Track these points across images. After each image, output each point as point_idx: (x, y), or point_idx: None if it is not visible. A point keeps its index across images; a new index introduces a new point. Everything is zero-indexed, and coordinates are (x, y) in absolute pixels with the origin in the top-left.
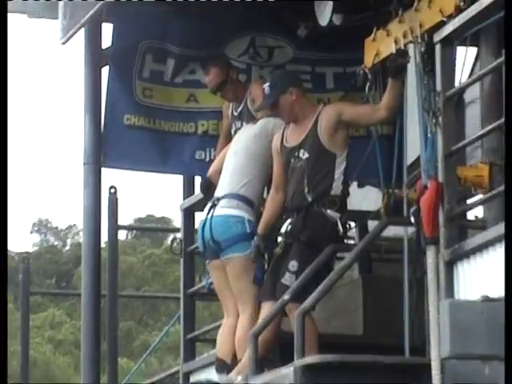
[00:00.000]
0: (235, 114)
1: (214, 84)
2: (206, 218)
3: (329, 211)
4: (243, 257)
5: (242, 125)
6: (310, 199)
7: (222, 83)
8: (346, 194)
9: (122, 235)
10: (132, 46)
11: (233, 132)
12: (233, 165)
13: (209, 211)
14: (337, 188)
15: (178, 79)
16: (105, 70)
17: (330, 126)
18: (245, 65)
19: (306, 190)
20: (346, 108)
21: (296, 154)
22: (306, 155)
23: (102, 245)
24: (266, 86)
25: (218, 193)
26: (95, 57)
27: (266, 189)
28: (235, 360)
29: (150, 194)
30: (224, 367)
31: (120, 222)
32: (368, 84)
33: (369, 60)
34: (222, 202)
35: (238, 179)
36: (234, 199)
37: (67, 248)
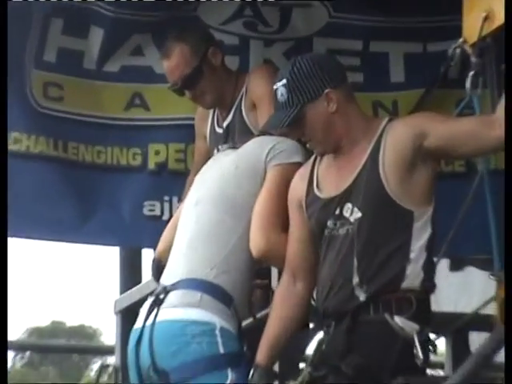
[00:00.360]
0: (218, 130)
1: (180, 76)
2: (143, 328)
3: (397, 319)
4: None
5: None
6: (362, 298)
7: (193, 74)
8: (430, 286)
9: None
10: (23, 4)
11: None
12: (193, 229)
13: (147, 315)
14: (414, 276)
15: (110, 66)
16: None
17: (404, 159)
18: (236, 38)
19: (357, 279)
20: (432, 125)
21: (337, 211)
22: (358, 214)
23: None
24: (280, 84)
25: (165, 280)
26: None
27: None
28: None
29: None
30: None
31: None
32: (471, 74)
33: (472, 30)
34: (173, 297)
35: (203, 255)
36: (194, 290)
37: None
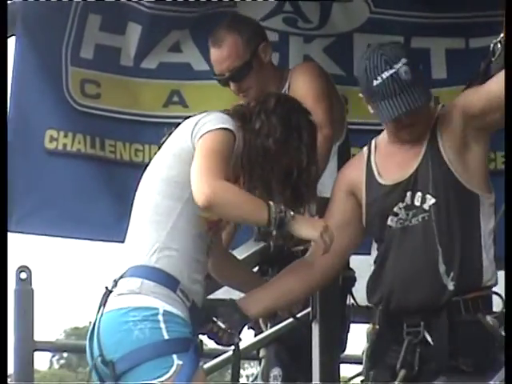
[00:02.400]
0: None
1: (229, 67)
2: (95, 320)
3: (488, 318)
4: None
5: None
6: (450, 287)
7: (243, 68)
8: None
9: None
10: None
11: None
12: (134, 217)
13: (99, 307)
14: (489, 269)
15: (148, 63)
16: (9, 45)
17: (459, 139)
18: (276, 34)
19: (443, 267)
20: (469, 96)
21: (407, 201)
22: (432, 200)
23: None
24: (400, 64)
25: (116, 272)
26: None
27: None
28: None
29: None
30: None
31: (39, 336)
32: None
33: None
34: (118, 287)
35: (145, 241)
36: (136, 277)
37: None
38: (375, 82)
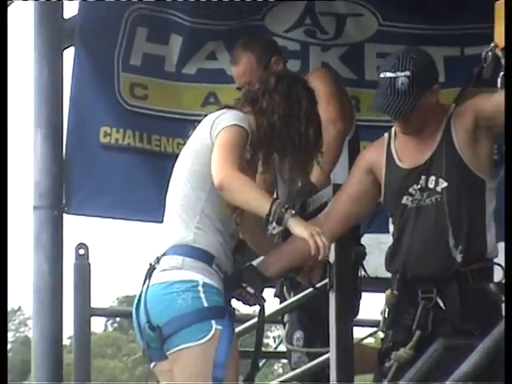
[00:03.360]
0: None
1: (246, 81)
2: (141, 292)
3: (492, 286)
4: (197, 347)
5: None
6: (458, 259)
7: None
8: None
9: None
10: (113, 14)
11: None
12: (170, 203)
13: (144, 280)
14: (491, 244)
15: (188, 69)
16: (68, 55)
17: (472, 134)
18: (298, 44)
19: (452, 241)
20: (482, 101)
21: (422, 183)
22: (444, 184)
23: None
24: (402, 74)
25: (158, 250)
26: (52, 33)
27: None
28: None
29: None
30: None
31: (95, 303)
32: (502, 75)
33: (502, 36)
34: (161, 263)
35: (181, 224)
36: (177, 255)
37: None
38: (381, 74)
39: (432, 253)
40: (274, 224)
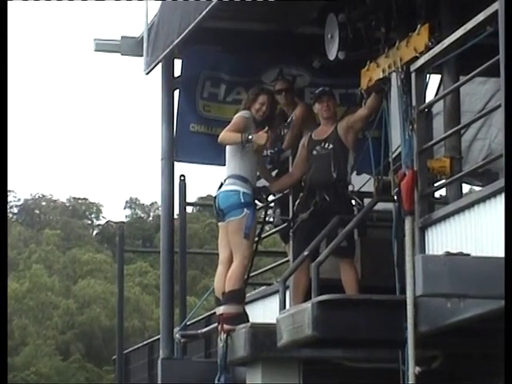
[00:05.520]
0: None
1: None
2: (217, 194)
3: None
4: (237, 220)
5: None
6: (335, 176)
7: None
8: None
9: (189, 209)
10: (196, 75)
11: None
12: (229, 154)
13: (219, 188)
14: (348, 175)
15: (228, 98)
16: (176, 93)
17: (344, 129)
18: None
19: (333, 170)
20: (351, 115)
21: (322, 145)
22: (331, 146)
23: (175, 216)
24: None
25: (225, 175)
26: (169, 83)
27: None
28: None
29: (209, 180)
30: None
31: (188, 200)
32: (364, 101)
33: (364, 84)
34: (226, 182)
35: (233, 165)
36: (232, 178)
37: (150, 219)
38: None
39: (323, 174)
40: (246, 144)
